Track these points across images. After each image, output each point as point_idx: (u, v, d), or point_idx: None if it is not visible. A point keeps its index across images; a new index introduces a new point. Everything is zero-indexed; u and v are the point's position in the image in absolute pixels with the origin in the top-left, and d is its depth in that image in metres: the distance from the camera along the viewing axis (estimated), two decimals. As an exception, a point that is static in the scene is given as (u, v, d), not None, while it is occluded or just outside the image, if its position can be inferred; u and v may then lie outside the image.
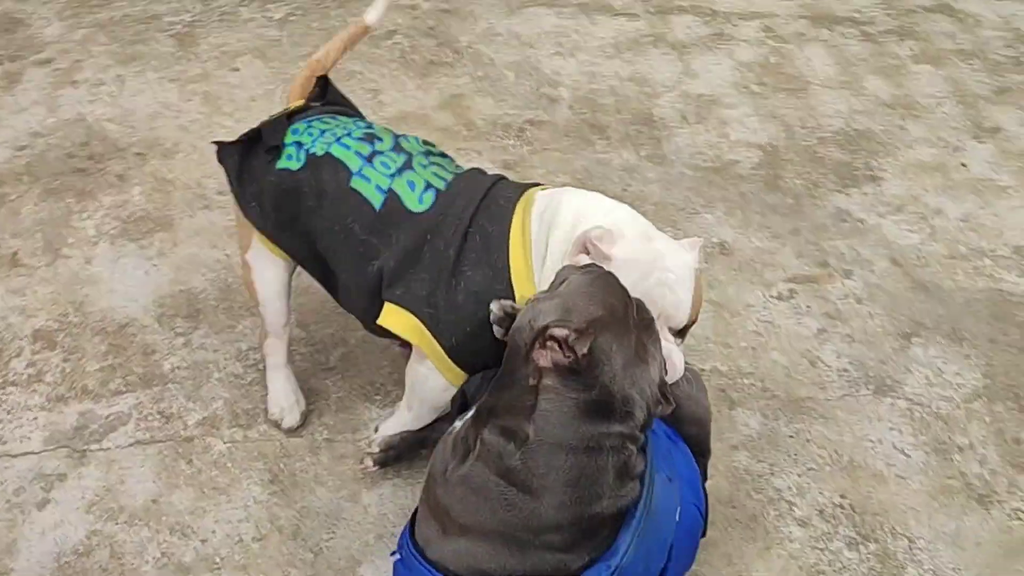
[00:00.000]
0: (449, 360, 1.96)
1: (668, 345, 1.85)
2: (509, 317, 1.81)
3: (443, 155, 2.16)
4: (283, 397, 2.37)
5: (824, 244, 3.00)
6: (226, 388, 2.48)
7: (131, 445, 2.33)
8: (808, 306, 2.78)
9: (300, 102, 2.20)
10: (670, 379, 1.83)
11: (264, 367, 2.41)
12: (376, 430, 2.27)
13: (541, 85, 3.75)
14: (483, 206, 1.98)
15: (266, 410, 2.40)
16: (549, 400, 1.62)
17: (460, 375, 2.00)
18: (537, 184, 2.09)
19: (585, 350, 1.60)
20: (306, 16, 4.16)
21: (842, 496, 2.24)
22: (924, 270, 2.92)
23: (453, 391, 2.05)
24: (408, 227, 1.96)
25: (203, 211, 3.05)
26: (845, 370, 2.58)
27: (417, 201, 1.98)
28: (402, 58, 3.89)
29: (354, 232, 2.00)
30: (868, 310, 2.77)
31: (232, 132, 3.32)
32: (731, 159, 3.38)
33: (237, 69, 3.79)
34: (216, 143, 2.17)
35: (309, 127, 2.11)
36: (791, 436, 2.38)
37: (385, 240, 1.97)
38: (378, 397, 2.47)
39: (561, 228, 1.92)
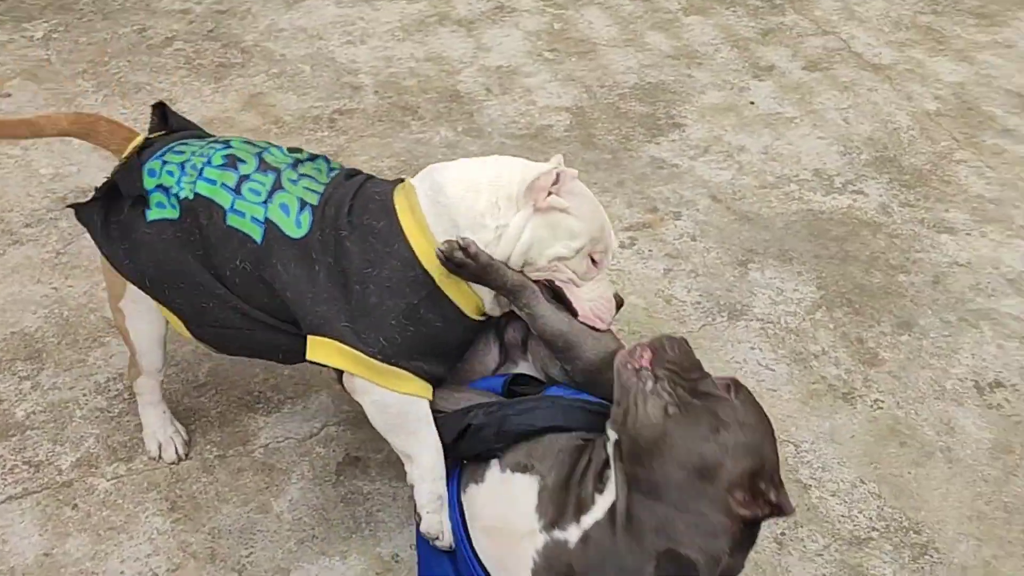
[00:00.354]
0: (385, 366, 1.80)
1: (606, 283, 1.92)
2: (463, 250, 1.79)
3: (312, 158, 2.02)
4: (160, 431, 2.26)
5: (649, 191, 3.16)
6: (94, 424, 2.33)
7: (3, 502, 2.15)
8: (650, 250, 2.92)
9: (141, 138, 2.04)
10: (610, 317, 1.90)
11: (134, 397, 2.28)
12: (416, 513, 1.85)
13: (341, 75, 3.71)
14: (355, 209, 1.89)
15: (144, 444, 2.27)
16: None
17: (411, 380, 1.83)
18: (400, 180, 1.99)
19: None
20: (69, 32, 3.90)
21: (728, 416, 2.39)
22: (742, 202, 3.14)
23: (423, 403, 1.85)
24: (293, 254, 1.86)
25: (13, 247, 2.83)
26: (698, 302, 2.74)
27: (295, 226, 1.87)
28: (188, 64, 3.73)
29: (247, 272, 1.88)
30: (703, 245, 2.95)
31: (23, 163, 3.11)
32: (544, 124, 3.48)
33: (9, 95, 3.52)
34: (71, 206, 1.99)
35: (165, 164, 1.94)
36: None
37: (276, 274, 1.86)
38: (259, 405, 2.40)
39: (482, 193, 1.84)
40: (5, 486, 2.19)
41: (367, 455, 2.28)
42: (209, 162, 1.93)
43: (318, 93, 3.60)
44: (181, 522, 2.13)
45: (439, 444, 1.83)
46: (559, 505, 1.61)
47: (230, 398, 2.42)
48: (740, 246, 2.94)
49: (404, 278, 1.82)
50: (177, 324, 2.01)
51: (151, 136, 2.06)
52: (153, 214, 1.92)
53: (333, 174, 1.99)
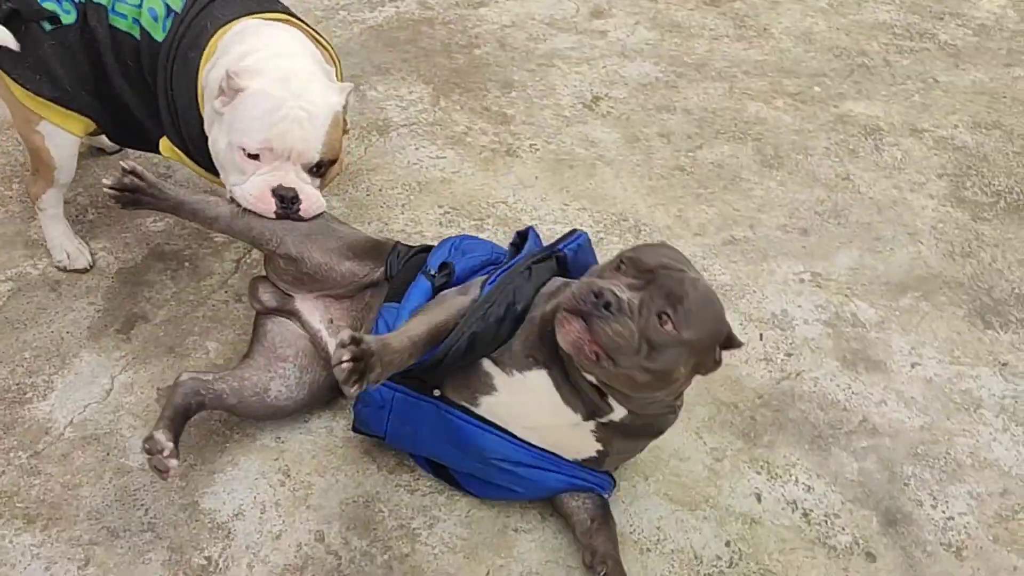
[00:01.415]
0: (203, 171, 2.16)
1: (302, 184, 2.02)
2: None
3: None
4: (67, 242, 2.38)
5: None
6: None
7: None
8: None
9: None
10: (308, 214, 2.03)
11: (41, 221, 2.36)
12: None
13: None
14: (192, 27, 2.06)
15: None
16: None
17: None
18: (262, 13, 2.10)
19: None
20: None
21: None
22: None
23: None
24: (154, 57, 2.08)
25: None
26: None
27: (161, 30, 2.07)
28: None
29: (131, 67, 2.09)
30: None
31: None
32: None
33: None
34: None
35: None
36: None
37: (148, 72, 2.10)
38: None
39: (220, 65, 2.00)
40: None
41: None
42: None
43: None
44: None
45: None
46: (584, 403, 1.80)
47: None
48: (359, 69, 3.13)
49: (188, 110, 2.08)
50: (74, 125, 2.20)
51: None
52: (63, 21, 2.07)
53: None
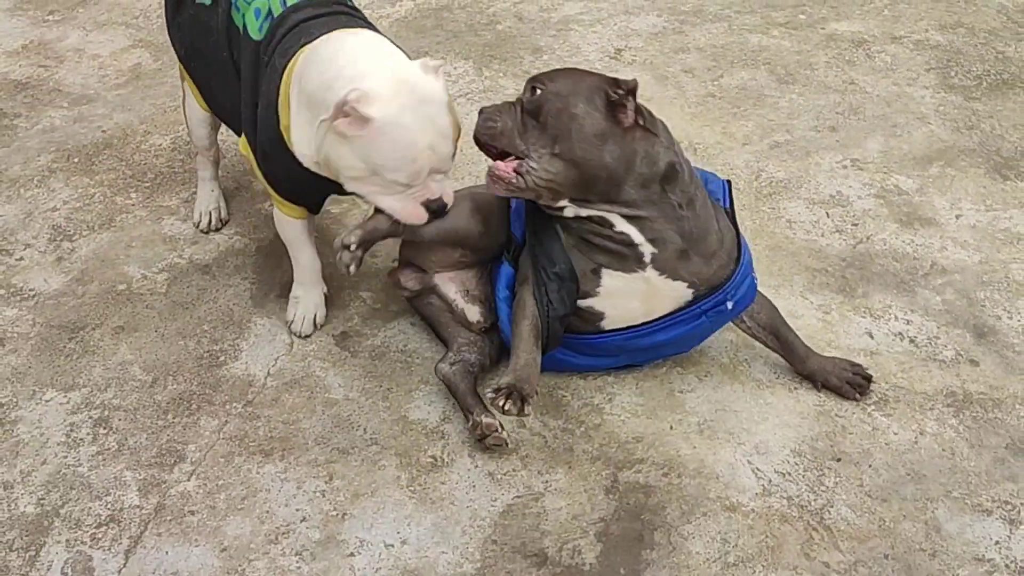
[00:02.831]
0: (264, 181, 2.25)
1: (444, 187, 2.06)
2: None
3: None
4: (204, 202, 2.70)
5: None
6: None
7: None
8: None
9: None
10: (451, 206, 2.10)
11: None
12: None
13: None
14: (285, 38, 2.11)
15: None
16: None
17: (284, 204, 2.28)
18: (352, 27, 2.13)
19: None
20: None
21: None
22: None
23: (296, 223, 2.32)
24: (250, 55, 2.15)
25: None
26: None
27: (257, 30, 2.14)
28: None
29: (234, 61, 2.22)
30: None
31: None
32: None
33: None
34: None
35: None
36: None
37: (241, 66, 2.20)
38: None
39: (312, 82, 2.02)
40: (111, 550, 2.02)
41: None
42: None
43: None
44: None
45: (311, 259, 2.36)
46: (619, 254, 2.10)
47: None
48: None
49: (266, 115, 2.12)
50: (197, 95, 2.46)
51: None
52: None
53: None
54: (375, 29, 2.20)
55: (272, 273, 2.57)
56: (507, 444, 2.12)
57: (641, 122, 2.01)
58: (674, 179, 2.04)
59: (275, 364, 2.37)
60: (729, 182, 2.27)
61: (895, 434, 2.17)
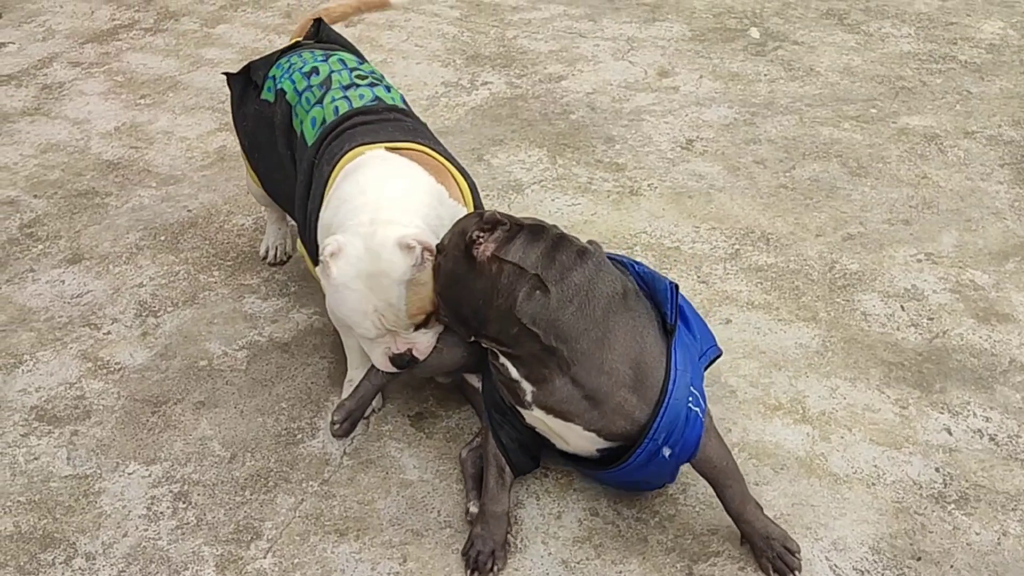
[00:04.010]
0: (314, 273, 2.26)
1: (412, 340, 2.10)
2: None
3: (373, 84, 2.36)
4: (271, 237, 2.89)
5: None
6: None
7: None
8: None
9: (292, 42, 2.61)
10: (424, 356, 2.13)
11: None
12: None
13: None
14: (332, 144, 2.24)
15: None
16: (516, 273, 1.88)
17: None
18: (393, 142, 2.22)
19: (502, 218, 1.91)
20: None
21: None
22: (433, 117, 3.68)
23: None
24: (306, 159, 2.29)
25: None
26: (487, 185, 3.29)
27: (313, 136, 2.29)
28: None
29: (294, 161, 2.35)
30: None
31: None
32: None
33: None
34: (225, 73, 2.64)
35: (288, 61, 2.46)
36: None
37: (298, 168, 2.34)
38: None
39: (327, 209, 2.17)
40: None
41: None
42: (301, 68, 2.42)
43: None
44: (369, 531, 2.20)
45: (357, 343, 2.32)
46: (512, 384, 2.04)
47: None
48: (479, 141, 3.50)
49: (313, 218, 2.22)
50: (255, 179, 2.64)
51: (300, 41, 2.63)
52: (263, 95, 2.47)
53: (363, 102, 2.31)
54: (421, 135, 2.30)
55: (349, 353, 2.62)
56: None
57: (502, 253, 1.88)
58: (532, 307, 1.86)
59: (351, 443, 2.40)
60: (675, 286, 2.00)
61: (976, 534, 2.13)
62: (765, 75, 3.89)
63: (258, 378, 2.58)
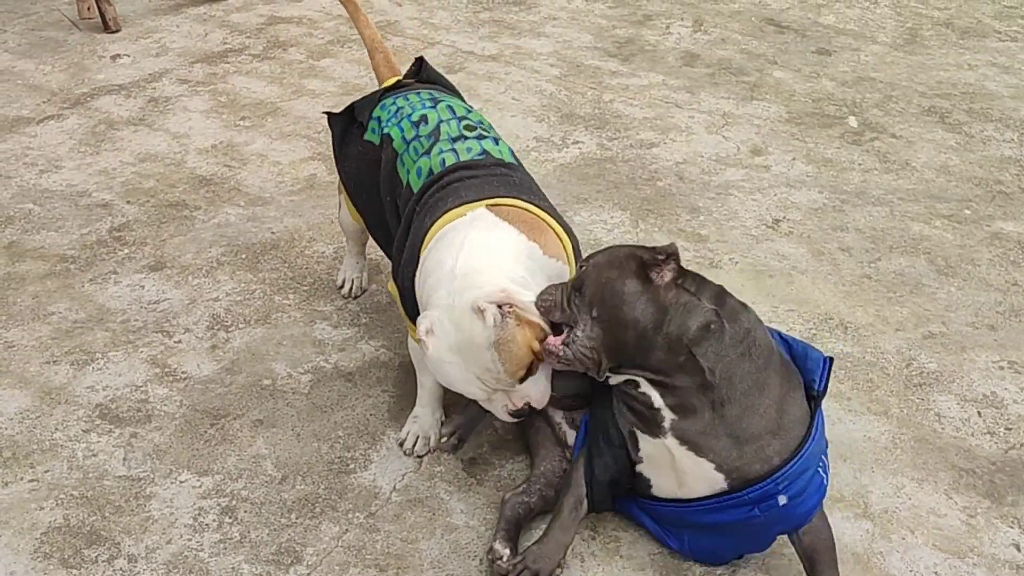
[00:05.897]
0: (404, 315, 2.35)
1: (528, 393, 2.11)
2: None
3: (482, 136, 2.34)
4: (349, 269, 2.93)
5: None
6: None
7: None
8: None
9: (394, 80, 2.61)
10: (543, 404, 2.16)
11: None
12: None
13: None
14: (431, 198, 2.24)
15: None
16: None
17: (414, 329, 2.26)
18: (494, 198, 2.20)
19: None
20: None
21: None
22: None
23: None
24: (409, 207, 2.30)
25: None
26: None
27: (418, 185, 2.29)
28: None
29: (396, 206, 2.37)
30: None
31: None
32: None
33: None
34: (326, 112, 2.66)
35: (394, 103, 2.46)
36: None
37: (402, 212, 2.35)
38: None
39: (422, 277, 2.19)
40: None
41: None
42: (409, 116, 2.41)
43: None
44: (409, 570, 2.17)
45: (434, 384, 2.37)
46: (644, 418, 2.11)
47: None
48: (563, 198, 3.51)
49: (409, 266, 2.24)
50: (357, 216, 2.65)
51: (403, 80, 2.62)
52: (367, 136, 2.48)
53: (470, 156, 2.29)
54: (526, 189, 2.28)
55: (412, 389, 2.61)
56: None
57: (679, 282, 1.98)
58: (706, 340, 1.94)
59: (402, 479, 2.38)
60: (830, 360, 2.11)
61: (1039, 659, 2.02)
62: (859, 164, 3.84)
63: (318, 403, 2.59)
